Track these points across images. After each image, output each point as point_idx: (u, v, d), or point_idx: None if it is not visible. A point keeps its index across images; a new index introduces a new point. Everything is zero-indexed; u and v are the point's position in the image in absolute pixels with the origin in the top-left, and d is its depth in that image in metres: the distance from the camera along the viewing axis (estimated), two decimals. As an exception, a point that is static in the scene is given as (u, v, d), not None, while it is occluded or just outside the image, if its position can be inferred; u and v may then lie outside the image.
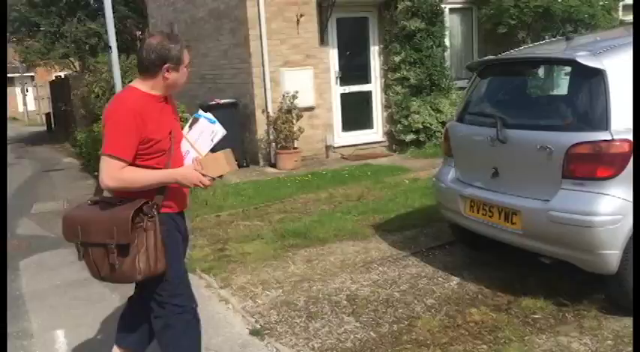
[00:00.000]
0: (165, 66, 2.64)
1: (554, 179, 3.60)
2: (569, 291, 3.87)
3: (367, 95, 10.29)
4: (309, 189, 7.53)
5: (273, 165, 9.29)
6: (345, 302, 4.09)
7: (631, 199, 3.36)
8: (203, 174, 2.70)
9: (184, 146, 2.86)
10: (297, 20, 9.28)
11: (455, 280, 4.32)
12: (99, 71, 9.94)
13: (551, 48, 4.57)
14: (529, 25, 9.71)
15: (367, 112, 10.32)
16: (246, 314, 4.00)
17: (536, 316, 3.66)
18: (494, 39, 10.20)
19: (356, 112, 10.18)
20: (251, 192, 7.52)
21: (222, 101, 9.28)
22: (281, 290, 4.36)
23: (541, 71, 4.60)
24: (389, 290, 4.22)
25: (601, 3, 9.75)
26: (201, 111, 3.03)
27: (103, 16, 17.00)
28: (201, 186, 2.71)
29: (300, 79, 9.32)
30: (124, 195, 2.64)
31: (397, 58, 9.74)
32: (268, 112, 9.20)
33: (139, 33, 19.80)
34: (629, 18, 11.20)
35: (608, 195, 3.39)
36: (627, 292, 3.48)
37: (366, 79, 10.25)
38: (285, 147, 9.10)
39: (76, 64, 19.21)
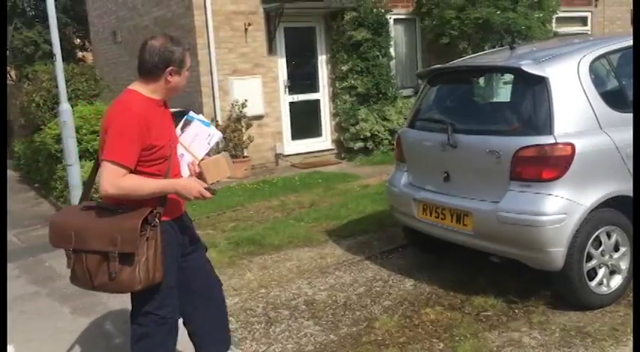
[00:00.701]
0: (169, 69, 2.60)
1: (502, 181, 3.76)
2: (519, 289, 4.04)
3: (316, 104, 10.39)
4: (261, 197, 7.54)
5: (223, 174, 9.20)
6: (304, 306, 4.13)
7: (574, 199, 3.56)
8: (206, 188, 2.62)
9: (178, 149, 2.80)
10: (246, 29, 9.30)
11: (409, 282, 4.43)
12: (39, 80, 9.61)
13: (496, 57, 4.79)
14: (470, 36, 10.08)
15: (316, 121, 10.42)
16: (204, 322, 3.97)
17: (488, 313, 3.80)
18: (437, 49, 10.53)
19: (305, 121, 10.26)
20: (202, 201, 7.42)
21: (171, 110, 9.12)
22: (238, 298, 4.35)
23: (488, 79, 4.80)
24: (346, 294, 4.28)
25: (536, 15, 10.22)
26: (192, 113, 2.95)
27: (41, 23, 16.49)
28: (202, 198, 2.63)
29: (249, 88, 9.33)
30: (121, 202, 2.57)
31: (344, 67, 9.89)
32: (217, 121, 9.15)
33: (78, 41, 19.29)
34: (562, 29, 11.82)
35: (553, 195, 3.57)
36: (572, 287, 3.67)
37: (314, 87, 10.36)
38: (235, 155, 9.07)
39: (12, 73, 18.49)
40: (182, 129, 2.87)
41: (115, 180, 2.48)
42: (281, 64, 9.88)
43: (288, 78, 10.00)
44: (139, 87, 2.65)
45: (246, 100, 9.09)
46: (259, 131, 9.59)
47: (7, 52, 16.47)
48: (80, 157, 7.16)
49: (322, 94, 10.39)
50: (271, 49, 9.63)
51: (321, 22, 10.16)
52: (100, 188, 2.51)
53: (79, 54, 19.75)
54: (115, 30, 12.53)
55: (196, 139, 2.84)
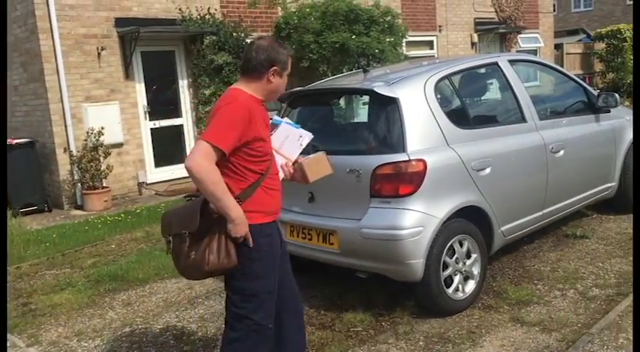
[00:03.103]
0: (272, 69, 2.65)
1: (364, 199, 3.89)
2: (385, 301, 4.18)
3: (179, 129, 10.11)
4: (124, 229, 7.14)
5: (80, 207, 8.63)
6: (173, 341, 3.94)
7: (429, 212, 3.77)
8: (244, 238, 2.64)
9: None
10: (99, 54, 8.85)
11: (281, 305, 4.40)
12: None
13: (352, 79, 4.98)
14: (329, 59, 10.44)
15: (180, 146, 10.13)
16: (61, 371, 3.64)
17: (358, 329, 3.88)
18: (299, 72, 10.75)
19: (168, 147, 9.94)
20: (56, 238, 6.88)
21: (17, 141, 8.42)
22: (100, 340, 4.06)
23: (342, 100, 4.97)
24: (217, 324, 4.15)
25: (388, 40, 10.85)
26: (277, 117, 2.93)
27: None
28: (242, 239, 2.61)
29: (106, 115, 8.85)
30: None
31: (207, 92, 9.76)
32: (71, 151, 8.56)
33: None
34: (412, 52, 12.65)
35: (410, 209, 3.76)
36: (431, 296, 3.87)
37: (176, 112, 10.08)
38: (93, 186, 8.52)
39: None
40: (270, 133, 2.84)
41: (201, 158, 2.49)
42: (140, 90, 9.51)
43: (149, 103, 9.64)
44: (242, 85, 2.70)
45: (102, 128, 8.61)
46: (119, 159, 9.13)
47: None
48: None
49: (185, 119, 10.15)
50: (128, 74, 9.24)
51: (180, 46, 9.96)
52: (186, 161, 2.52)
53: None
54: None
55: (287, 141, 2.86)
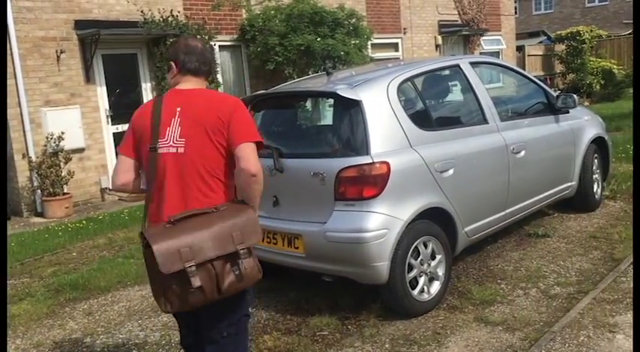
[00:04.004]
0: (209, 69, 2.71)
1: (328, 202, 3.87)
2: (351, 304, 4.17)
3: (142, 133, 9.93)
4: (85, 236, 6.97)
5: (41, 215, 8.40)
6: (135, 351, 3.85)
7: (393, 214, 3.77)
8: None
9: None
10: (58, 57, 8.64)
11: (247, 310, 4.35)
12: None
13: (314, 82, 4.96)
14: (294, 62, 10.41)
15: (144, 151, 9.95)
16: (18, 385, 3.52)
17: (324, 333, 3.86)
18: (265, 74, 10.73)
19: (132, 152, 9.74)
20: (15, 247, 6.68)
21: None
22: (59, 351, 3.94)
23: (308, 103, 4.95)
24: (181, 332, 4.07)
25: (353, 42, 10.89)
26: None
27: None
28: None
29: (66, 119, 8.64)
30: (211, 204, 2.46)
31: (171, 95, 9.61)
32: (30, 157, 8.33)
33: None
34: (377, 55, 12.73)
35: (374, 212, 3.75)
36: (397, 297, 3.87)
37: (140, 116, 9.90)
38: (54, 193, 8.31)
39: None
40: None
41: (258, 162, 2.46)
42: (101, 93, 9.32)
43: (111, 107, 9.46)
44: (203, 86, 2.70)
45: (63, 133, 8.41)
46: (81, 165, 8.93)
47: None
48: None
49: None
50: (89, 78, 9.04)
51: (142, 49, 9.80)
52: (253, 167, 2.42)
53: None
54: None
55: None
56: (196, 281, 2.30)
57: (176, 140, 2.51)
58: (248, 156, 2.44)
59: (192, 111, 2.52)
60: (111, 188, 2.77)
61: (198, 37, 9.71)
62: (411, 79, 4.36)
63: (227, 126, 2.48)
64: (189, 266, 2.29)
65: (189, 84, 2.63)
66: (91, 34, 8.67)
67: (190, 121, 2.50)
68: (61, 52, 8.65)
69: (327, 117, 4.89)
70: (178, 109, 2.54)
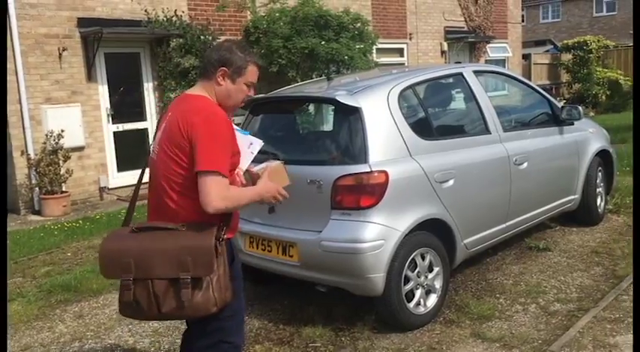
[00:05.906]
0: (222, 69, 2.40)
1: (324, 211, 3.78)
2: (345, 315, 4.09)
3: (143, 133, 9.87)
4: (81, 236, 6.90)
5: (38, 213, 8.34)
6: (123, 358, 3.78)
7: (390, 224, 3.69)
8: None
9: None
10: (60, 54, 8.58)
11: (239, 318, 4.27)
12: None
13: (314, 87, 4.88)
14: (298, 65, 10.34)
15: (144, 150, 9.89)
16: (1, 390, 3.44)
17: (317, 344, 3.78)
18: (268, 77, 10.62)
19: (132, 151, 9.68)
20: (10, 244, 6.62)
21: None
22: (47, 355, 3.86)
23: (307, 109, 4.87)
24: (171, 338, 4.00)
25: (358, 47, 10.81)
26: None
27: None
28: (279, 200, 2.47)
29: (67, 117, 8.58)
30: (180, 219, 2.29)
31: (173, 95, 9.53)
32: (29, 154, 8.27)
33: None
34: (382, 60, 12.65)
35: (371, 222, 3.67)
36: (392, 310, 3.78)
37: (141, 116, 9.85)
38: (52, 191, 8.24)
39: None
40: None
41: (223, 191, 2.22)
42: (102, 92, 9.26)
43: (112, 106, 9.40)
44: (201, 91, 2.44)
45: (62, 131, 8.34)
46: (80, 163, 8.86)
47: None
48: None
49: (150, 123, 9.92)
50: (91, 76, 8.98)
51: (145, 48, 9.74)
52: (209, 204, 2.21)
53: None
54: None
55: None
56: (126, 296, 2.24)
57: (155, 146, 2.47)
58: (207, 189, 2.21)
59: (170, 118, 2.42)
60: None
61: (202, 37, 9.66)
62: (412, 86, 4.28)
63: (189, 142, 2.29)
64: (126, 279, 2.22)
65: (194, 88, 2.55)
66: (94, 32, 8.62)
67: (166, 129, 2.42)
68: (63, 50, 8.59)
69: (326, 124, 4.81)
70: (169, 114, 2.48)
